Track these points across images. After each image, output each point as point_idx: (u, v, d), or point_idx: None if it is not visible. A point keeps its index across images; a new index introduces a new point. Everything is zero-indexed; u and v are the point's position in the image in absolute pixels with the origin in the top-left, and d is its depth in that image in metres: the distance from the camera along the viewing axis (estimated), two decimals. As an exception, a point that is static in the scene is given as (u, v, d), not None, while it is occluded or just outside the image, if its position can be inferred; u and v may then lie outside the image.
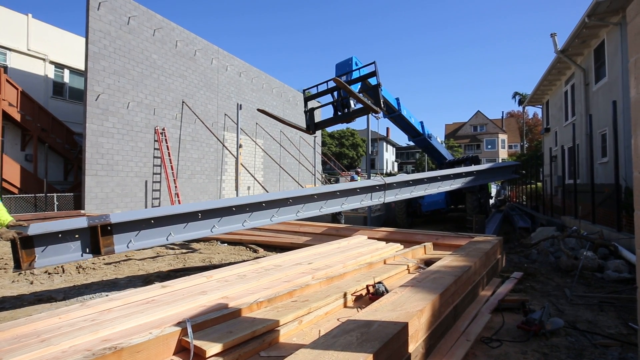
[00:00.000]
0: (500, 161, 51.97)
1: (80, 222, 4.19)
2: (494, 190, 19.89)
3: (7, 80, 14.44)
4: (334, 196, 6.07)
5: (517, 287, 4.82)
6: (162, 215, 4.64)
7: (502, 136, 56.87)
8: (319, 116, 7.12)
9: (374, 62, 6.17)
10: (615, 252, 6.28)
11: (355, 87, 6.63)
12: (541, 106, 20.04)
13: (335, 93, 6.46)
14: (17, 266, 3.85)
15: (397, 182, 6.91)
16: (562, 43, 12.33)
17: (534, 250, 7.38)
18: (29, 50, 16.49)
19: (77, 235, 4.19)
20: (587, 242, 6.85)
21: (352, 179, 11.87)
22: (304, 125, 7.10)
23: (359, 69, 6.68)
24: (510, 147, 58.43)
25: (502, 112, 61.48)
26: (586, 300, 4.42)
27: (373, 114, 6.40)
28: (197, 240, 9.02)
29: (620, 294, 4.65)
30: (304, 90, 7.09)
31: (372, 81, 6.45)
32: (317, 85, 6.50)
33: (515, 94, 51.11)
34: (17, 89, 14.79)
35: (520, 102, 48.40)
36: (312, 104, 7.20)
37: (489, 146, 56.74)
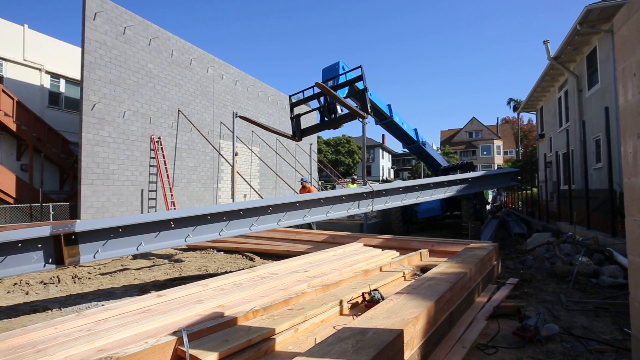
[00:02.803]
0: (496, 167, 52.32)
1: (42, 231, 4.02)
2: (490, 196, 19.99)
3: (3, 90, 14.48)
4: (318, 204, 5.85)
5: (512, 293, 4.85)
6: (131, 223, 4.44)
7: (498, 142, 57.35)
8: (313, 121, 6.99)
9: (360, 66, 6.05)
10: (611, 258, 6.33)
11: (343, 92, 6.51)
12: (535, 112, 20.25)
13: (322, 99, 6.34)
14: None
15: (387, 190, 6.68)
16: (555, 50, 12.53)
17: (530, 256, 7.43)
18: (25, 60, 16.53)
19: (39, 245, 4.01)
20: (582, 248, 6.91)
21: (303, 182, 11.66)
22: (290, 132, 6.97)
23: (345, 73, 6.58)
24: (505, 153, 58.90)
25: (497, 118, 62.18)
26: (581, 306, 4.46)
27: (360, 119, 6.17)
28: (194, 249, 9.00)
29: (616, 299, 4.68)
30: (290, 97, 6.88)
31: (359, 85, 6.31)
32: (303, 91, 6.39)
33: (510, 100, 51.64)
34: (12, 99, 14.82)
35: (515, 109, 48.88)
36: (299, 110, 7.07)
37: (485, 152, 57.18)
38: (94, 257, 4.28)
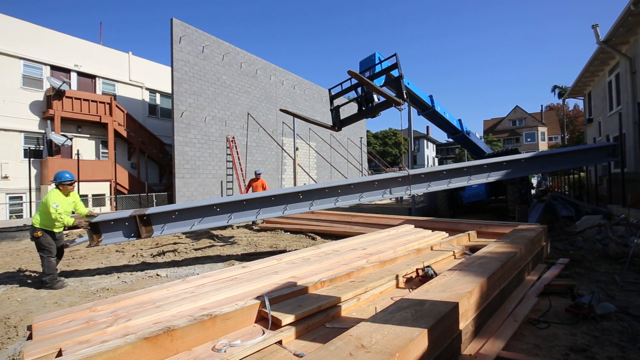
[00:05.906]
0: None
1: (124, 214, 4.91)
2: (534, 181, 18.27)
3: (117, 106, 16.17)
4: (349, 190, 5.58)
5: (563, 272, 4.41)
6: (185, 207, 5.09)
7: (542, 129, 51.91)
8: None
9: (395, 55, 5.60)
10: (670, 240, 5.50)
11: (380, 81, 6.11)
12: (582, 97, 18.00)
13: (359, 89, 5.98)
14: (90, 244, 4.78)
15: (426, 174, 5.93)
16: (605, 33, 10.97)
17: (580, 238, 6.70)
18: (130, 80, 18.25)
19: (126, 223, 4.87)
20: (638, 230, 6.08)
21: (257, 174, 10.28)
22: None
23: (380, 62, 6.13)
24: (550, 139, 53.21)
25: (542, 105, 55.78)
26: (638, 287, 3.94)
27: (396, 106, 5.57)
28: (265, 230, 9.42)
29: (677, 281, 4.07)
30: (329, 90, 6.45)
31: (395, 73, 5.85)
32: (341, 84, 6.06)
33: (555, 87, 46.20)
34: (123, 111, 16.51)
35: (560, 95, 43.71)
36: (338, 102, 6.64)
37: (529, 139, 52.11)
38: (161, 233, 5.02)
